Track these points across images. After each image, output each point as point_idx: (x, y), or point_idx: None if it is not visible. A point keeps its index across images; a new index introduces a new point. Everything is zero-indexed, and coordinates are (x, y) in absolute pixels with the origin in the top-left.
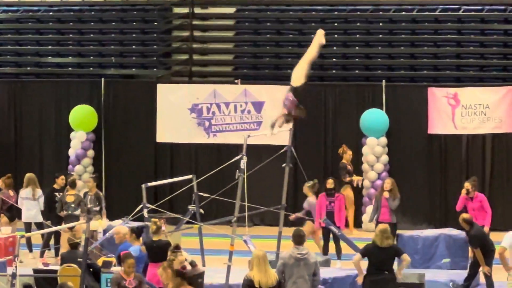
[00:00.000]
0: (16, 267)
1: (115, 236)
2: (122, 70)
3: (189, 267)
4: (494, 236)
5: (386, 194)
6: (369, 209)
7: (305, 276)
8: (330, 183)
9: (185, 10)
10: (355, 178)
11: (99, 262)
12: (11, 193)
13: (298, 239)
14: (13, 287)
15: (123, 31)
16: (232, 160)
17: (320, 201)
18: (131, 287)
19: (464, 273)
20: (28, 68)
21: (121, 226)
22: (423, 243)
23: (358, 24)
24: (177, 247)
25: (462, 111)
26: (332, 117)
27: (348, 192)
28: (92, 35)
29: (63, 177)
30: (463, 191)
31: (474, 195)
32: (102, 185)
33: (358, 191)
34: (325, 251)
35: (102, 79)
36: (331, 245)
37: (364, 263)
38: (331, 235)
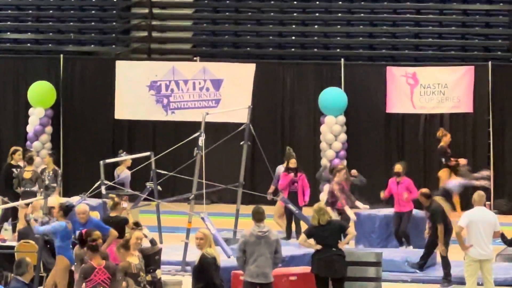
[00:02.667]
0: None
1: (80, 216)
2: (81, 47)
3: (147, 243)
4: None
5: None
6: (326, 187)
7: (266, 254)
8: (293, 163)
9: None
10: (461, 161)
11: None
12: None
13: (258, 217)
14: None
15: (82, 7)
16: (190, 138)
17: (282, 179)
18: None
19: (421, 252)
20: None
21: (83, 205)
22: (380, 222)
23: (317, 2)
24: (137, 224)
25: (420, 90)
26: (291, 95)
27: (443, 174)
28: (51, 11)
29: (20, 152)
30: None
31: (401, 179)
32: (60, 162)
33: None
34: (288, 231)
35: (61, 56)
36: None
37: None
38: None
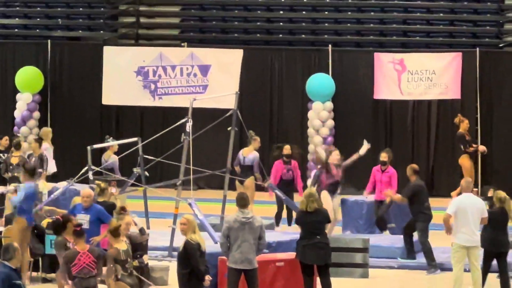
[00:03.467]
0: None
1: (84, 199)
2: (69, 32)
3: (135, 229)
4: (438, 203)
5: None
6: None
7: (250, 240)
8: (287, 149)
9: None
10: (481, 148)
11: (44, 223)
12: None
13: (242, 202)
14: None
15: None
16: (178, 123)
17: (276, 167)
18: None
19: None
20: None
21: (89, 189)
22: (368, 208)
23: None
24: (124, 209)
25: (408, 76)
26: (279, 81)
27: (464, 161)
28: None
29: (7, 138)
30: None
31: (387, 168)
32: None
33: (475, 160)
34: (277, 218)
35: (49, 41)
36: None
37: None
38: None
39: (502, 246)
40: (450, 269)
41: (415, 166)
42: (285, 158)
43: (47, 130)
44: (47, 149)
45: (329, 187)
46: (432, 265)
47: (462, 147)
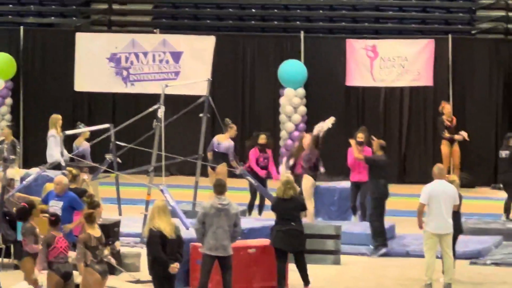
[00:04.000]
0: None
1: (57, 187)
2: (41, 19)
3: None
4: (410, 189)
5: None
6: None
7: (225, 226)
8: (263, 139)
9: None
10: (456, 136)
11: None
12: None
13: (219, 189)
14: None
15: None
16: (150, 110)
17: (253, 154)
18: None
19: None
20: None
21: (62, 176)
22: (340, 195)
23: None
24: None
25: (380, 63)
26: (251, 68)
27: (442, 148)
28: None
29: None
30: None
31: (363, 148)
32: (19, 134)
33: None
34: (250, 207)
35: (21, 28)
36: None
37: None
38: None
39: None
40: (422, 256)
41: (382, 141)
42: (259, 147)
43: (56, 118)
44: (54, 136)
45: (308, 171)
46: (375, 246)
47: (440, 132)
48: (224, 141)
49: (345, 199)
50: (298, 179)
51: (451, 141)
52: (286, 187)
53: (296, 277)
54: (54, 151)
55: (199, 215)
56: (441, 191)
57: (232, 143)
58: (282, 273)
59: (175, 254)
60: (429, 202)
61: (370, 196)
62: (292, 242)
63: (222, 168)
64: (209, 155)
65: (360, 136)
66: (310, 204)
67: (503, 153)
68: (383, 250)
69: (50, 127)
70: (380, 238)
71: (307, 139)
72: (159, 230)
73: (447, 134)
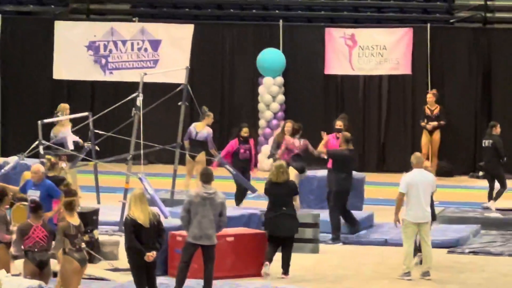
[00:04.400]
0: None
1: (34, 175)
2: (20, 7)
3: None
4: (389, 178)
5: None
6: (264, 148)
7: (210, 215)
8: (245, 132)
9: None
10: (428, 126)
11: None
12: None
13: (206, 178)
14: None
15: None
16: (128, 98)
17: (230, 146)
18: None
19: (358, 214)
20: None
21: (39, 164)
22: (318, 183)
23: None
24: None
25: (359, 52)
26: (229, 56)
27: (422, 136)
28: None
29: None
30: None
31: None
32: None
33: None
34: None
35: (0, 16)
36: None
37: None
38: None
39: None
40: (401, 245)
41: (347, 134)
42: (241, 139)
43: (64, 107)
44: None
45: (292, 162)
46: (332, 238)
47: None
48: (202, 129)
49: (323, 187)
50: None
51: (432, 129)
52: (279, 171)
53: (274, 265)
54: (69, 139)
55: (185, 203)
56: (420, 180)
57: (210, 130)
58: (269, 256)
59: (152, 242)
60: (408, 191)
61: (332, 189)
62: (283, 227)
63: (201, 156)
64: (186, 143)
65: (339, 124)
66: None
67: (486, 142)
68: (339, 244)
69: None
70: (336, 232)
71: (289, 126)
72: (133, 218)
73: (422, 123)
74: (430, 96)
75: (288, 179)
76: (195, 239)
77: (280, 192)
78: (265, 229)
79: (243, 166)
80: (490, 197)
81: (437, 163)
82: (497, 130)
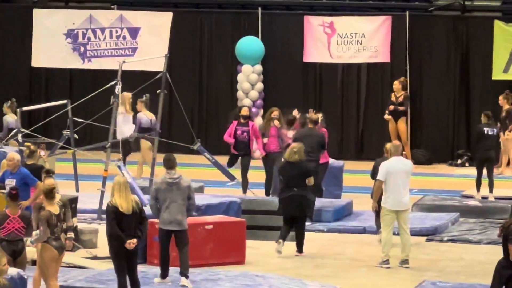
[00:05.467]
0: None
1: (9, 163)
2: None
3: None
4: (367, 166)
5: (277, 123)
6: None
7: (178, 200)
8: (245, 111)
9: None
10: (387, 111)
11: None
12: None
13: (169, 164)
14: None
15: None
16: (107, 86)
17: (230, 127)
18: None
19: (337, 202)
20: None
21: (14, 153)
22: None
23: None
24: (48, 171)
25: (337, 40)
26: (208, 44)
27: (389, 125)
28: None
29: None
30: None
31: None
32: None
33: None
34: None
35: None
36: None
37: None
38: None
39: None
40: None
41: (314, 116)
42: (241, 120)
43: (127, 96)
44: (124, 114)
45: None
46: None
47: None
48: (150, 116)
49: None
50: (269, 156)
51: (395, 117)
52: (292, 151)
53: (253, 253)
54: (123, 128)
55: (152, 191)
56: (398, 167)
57: (153, 117)
58: (283, 234)
59: (133, 230)
60: (387, 179)
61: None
62: (294, 207)
63: (145, 144)
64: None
65: (316, 116)
66: None
67: (490, 130)
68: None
69: (120, 104)
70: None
71: (275, 114)
72: (115, 205)
73: (387, 111)
74: (397, 84)
75: (300, 160)
76: (165, 225)
77: (291, 173)
78: (278, 209)
79: (242, 148)
80: (479, 185)
81: (407, 151)
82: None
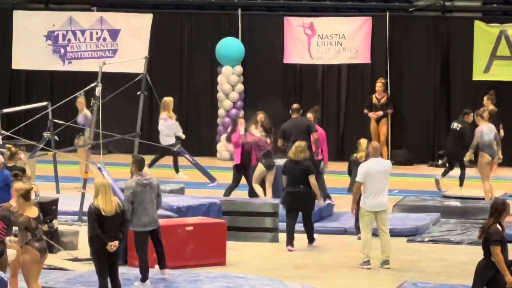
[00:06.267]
0: None
1: None
2: None
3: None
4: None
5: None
6: (223, 138)
7: (153, 199)
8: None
9: None
10: (375, 115)
11: None
12: None
13: (139, 165)
14: None
15: None
16: (87, 88)
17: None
18: None
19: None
20: None
21: None
22: (278, 172)
23: None
24: (16, 175)
25: (318, 41)
26: (188, 45)
27: (371, 125)
28: None
29: None
30: None
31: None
32: None
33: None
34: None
35: None
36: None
37: None
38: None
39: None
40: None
41: (295, 105)
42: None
43: (169, 101)
44: (165, 119)
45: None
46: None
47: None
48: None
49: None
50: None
51: (378, 118)
52: (297, 150)
53: (234, 255)
54: (165, 133)
55: (128, 195)
56: (377, 169)
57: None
58: (290, 229)
59: (115, 232)
60: (366, 180)
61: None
62: (299, 203)
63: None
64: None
65: (310, 116)
66: (258, 189)
67: (455, 125)
68: None
69: (162, 110)
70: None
71: (261, 118)
72: (97, 207)
73: (365, 111)
74: (379, 85)
75: (305, 159)
76: (146, 226)
77: (296, 171)
78: (281, 202)
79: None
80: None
81: (388, 151)
82: (469, 118)
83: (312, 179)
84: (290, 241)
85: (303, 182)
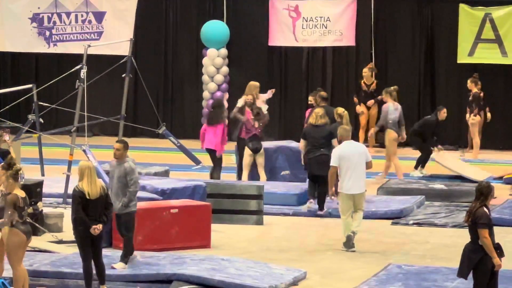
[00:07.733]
0: None
1: None
2: None
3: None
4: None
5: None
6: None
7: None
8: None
9: None
10: (369, 103)
11: None
12: None
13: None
14: None
15: None
16: (72, 70)
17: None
18: None
19: (302, 185)
20: None
21: None
22: (268, 154)
23: None
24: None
25: (303, 23)
26: (173, 28)
27: (358, 109)
28: None
29: None
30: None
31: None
32: None
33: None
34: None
35: None
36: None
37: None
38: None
39: None
40: (339, 216)
41: (323, 93)
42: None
43: (254, 85)
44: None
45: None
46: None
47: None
48: None
49: (267, 159)
50: (240, 144)
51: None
52: (318, 115)
53: (219, 237)
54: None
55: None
56: (351, 151)
57: None
58: (311, 192)
59: (99, 215)
60: (341, 164)
61: None
62: (322, 168)
63: None
64: None
65: (310, 99)
66: (246, 173)
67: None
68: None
69: (246, 93)
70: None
71: (250, 98)
72: (81, 190)
73: (356, 99)
74: (366, 71)
75: (326, 123)
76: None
77: (317, 135)
78: (305, 169)
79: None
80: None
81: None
82: (441, 114)
83: (335, 142)
84: (312, 194)
85: (324, 146)
